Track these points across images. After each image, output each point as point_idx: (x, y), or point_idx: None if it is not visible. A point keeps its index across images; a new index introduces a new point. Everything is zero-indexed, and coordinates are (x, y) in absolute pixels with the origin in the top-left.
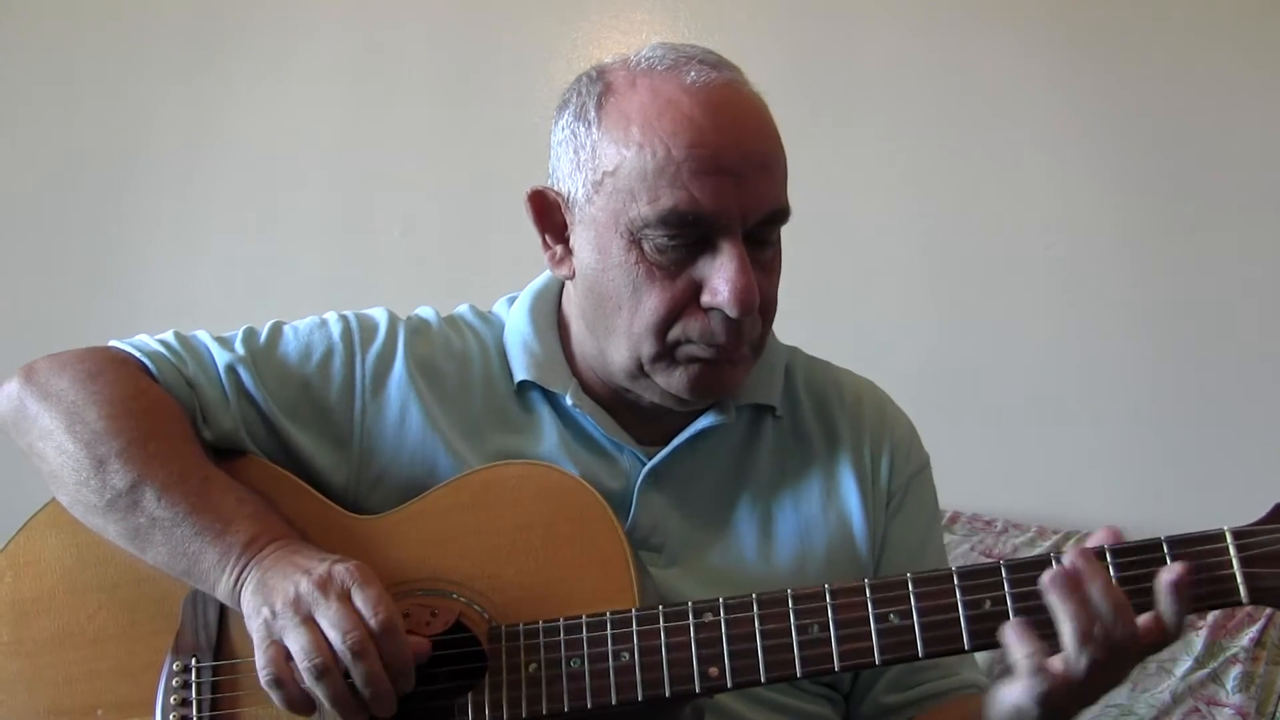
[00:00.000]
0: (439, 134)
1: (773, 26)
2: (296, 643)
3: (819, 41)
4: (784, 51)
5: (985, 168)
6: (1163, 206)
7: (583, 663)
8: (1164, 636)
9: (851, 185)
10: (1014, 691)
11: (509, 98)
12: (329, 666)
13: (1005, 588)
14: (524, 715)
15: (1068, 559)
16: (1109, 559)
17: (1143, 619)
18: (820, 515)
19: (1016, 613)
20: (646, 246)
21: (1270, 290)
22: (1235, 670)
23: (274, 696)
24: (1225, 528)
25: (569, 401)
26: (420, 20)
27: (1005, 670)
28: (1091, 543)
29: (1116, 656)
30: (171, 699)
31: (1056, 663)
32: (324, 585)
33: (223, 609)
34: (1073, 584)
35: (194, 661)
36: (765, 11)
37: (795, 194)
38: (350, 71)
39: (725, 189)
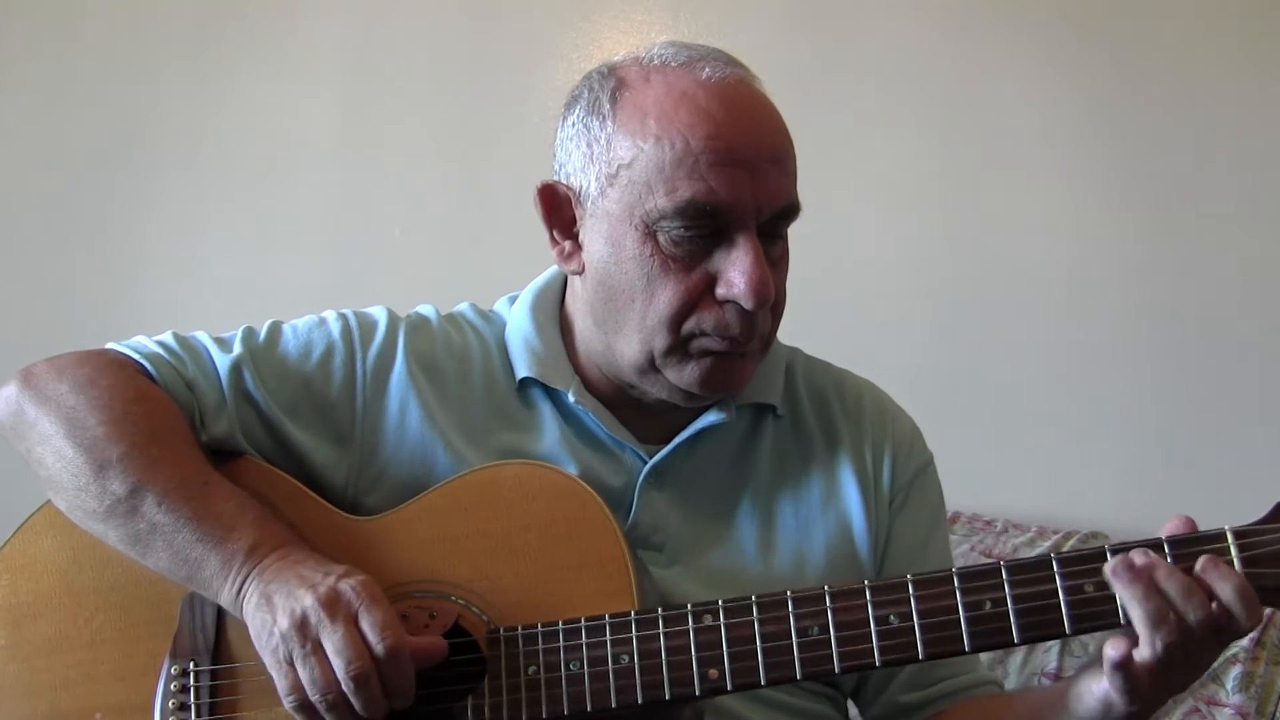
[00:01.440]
0: (439, 134)
1: (772, 26)
2: (306, 674)
3: (819, 42)
4: (783, 52)
5: (985, 167)
6: (1164, 207)
7: (582, 665)
8: (1231, 618)
9: (851, 185)
10: (1101, 686)
11: (509, 98)
12: (339, 701)
13: (1006, 589)
14: (524, 719)
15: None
16: (1110, 559)
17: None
18: (819, 515)
19: (1017, 614)
20: (662, 239)
21: (1271, 291)
22: (1235, 670)
23: (298, 718)
24: (1226, 527)
25: (571, 398)
26: (420, 20)
27: (1088, 664)
28: (1166, 532)
29: (1192, 640)
30: (170, 702)
31: (1139, 652)
32: (331, 605)
33: (220, 611)
34: (1135, 572)
35: (192, 664)
36: (765, 11)
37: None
38: (350, 71)
39: (741, 181)
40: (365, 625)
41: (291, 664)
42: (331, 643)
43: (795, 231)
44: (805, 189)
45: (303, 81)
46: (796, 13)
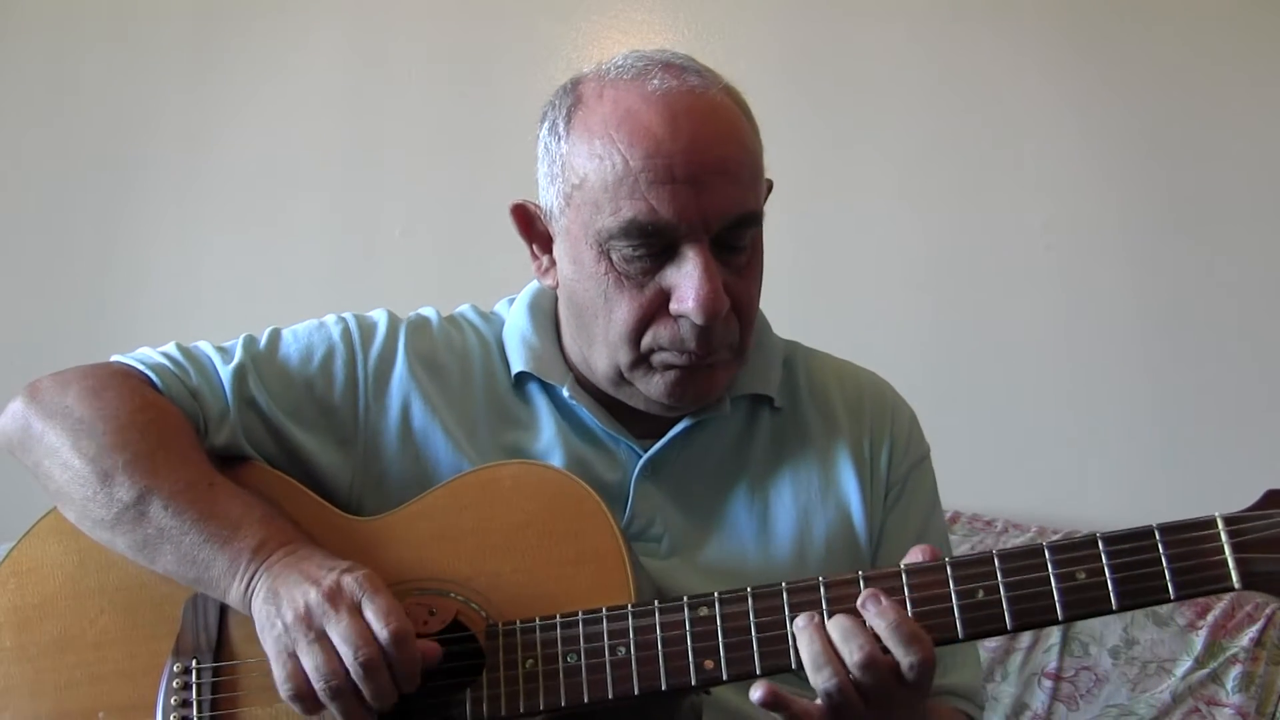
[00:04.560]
0: (439, 134)
1: (773, 26)
2: (310, 661)
3: (819, 41)
4: (784, 51)
5: (985, 167)
6: (1162, 206)
7: (579, 658)
8: (892, 655)
9: (851, 184)
10: None
11: (509, 97)
12: (343, 688)
13: (998, 577)
14: (521, 711)
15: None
16: (1100, 546)
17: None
18: (819, 504)
19: (1009, 601)
20: (614, 257)
21: (1270, 289)
22: (1235, 670)
23: (295, 708)
24: (1217, 514)
25: (566, 393)
26: (420, 20)
27: None
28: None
29: (867, 681)
30: (172, 700)
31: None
32: (334, 597)
33: (223, 611)
34: (807, 618)
35: (194, 663)
36: (765, 11)
37: (794, 193)
38: (350, 72)
39: (684, 197)
40: (369, 613)
41: (293, 654)
42: (337, 632)
43: (797, 232)
44: (805, 189)
45: (303, 82)
46: (797, 12)
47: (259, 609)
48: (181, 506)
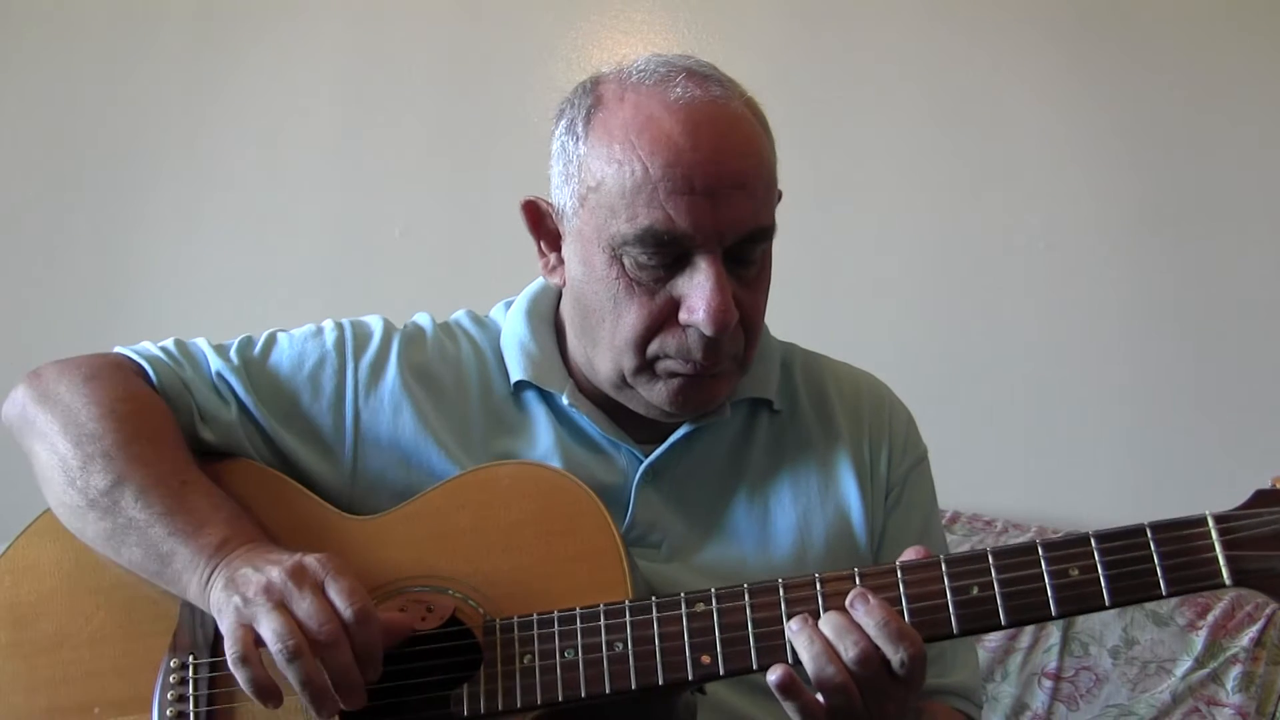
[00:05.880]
0: (439, 134)
1: (772, 26)
2: (269, 627)
3: (818, 41)
4: (783, 51)
5: (984, 167)
6: (1163, 206)
7: (577, 653)
8: (883, 652)
9: (850, 184)
10: None
11: (509, 97)
12: (302, 649)
13: (992, 574)
14: (519, 705)
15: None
16: (1093, 544)
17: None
18: (819, 508)
19: (1003, 598)
20: (627, 262)
21: (1268, 290)
22: (1235, 670)
23: (239, 676)
24: (1207, 512)
25: (565, 401)
26: (420, 19)
27: None
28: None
29: (865, 677)
30: (168, 695)
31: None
32: (297, 575)
33: None
34: (802, 619)
35: (191, 659)
36: (764, 11)
37: (791, 194)
38: (350, 71)
39: (701, 209)
40: (332, 592)
41: (249, 626)
42: (300, 608)
43: (797, 232)
44: (805, 189)
45: (302, 81)
46: (796, 12)
47: (217, 595)
48: (151, 500)
